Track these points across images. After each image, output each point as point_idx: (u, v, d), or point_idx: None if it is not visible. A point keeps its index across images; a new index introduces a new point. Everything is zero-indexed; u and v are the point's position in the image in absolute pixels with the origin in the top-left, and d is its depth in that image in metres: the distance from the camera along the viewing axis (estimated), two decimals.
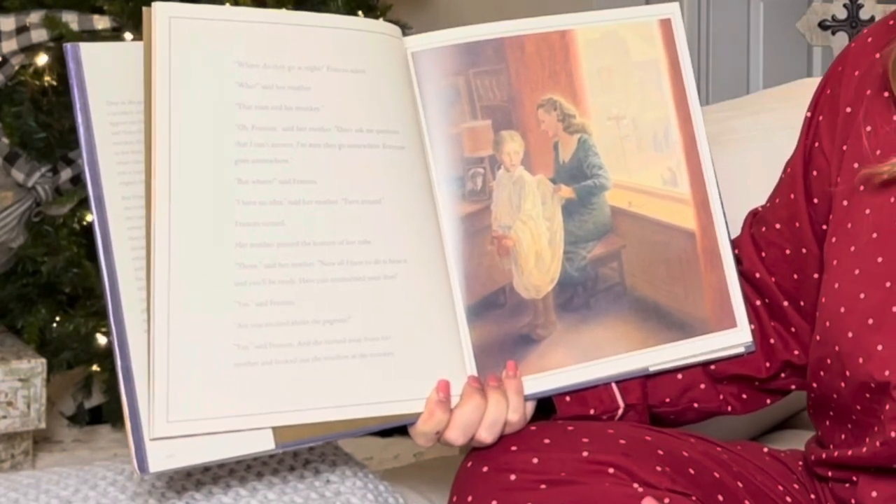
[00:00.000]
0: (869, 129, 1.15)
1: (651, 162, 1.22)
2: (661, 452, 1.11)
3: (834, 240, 1.16)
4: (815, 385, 1.18)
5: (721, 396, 1.26)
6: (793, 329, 1.25)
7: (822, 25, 2.98)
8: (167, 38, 1.05)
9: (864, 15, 2.97)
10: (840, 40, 2.95)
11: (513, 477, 1.08)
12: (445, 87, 1.16)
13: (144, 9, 1.05)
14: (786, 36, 3.39)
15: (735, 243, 1.27)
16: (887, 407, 1.07)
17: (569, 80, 1.20)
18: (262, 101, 1.07)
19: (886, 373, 1.07)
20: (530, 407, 1.16)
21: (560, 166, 1.19)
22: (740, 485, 1.15)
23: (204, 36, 1.07)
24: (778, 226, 1.24)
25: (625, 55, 1.22)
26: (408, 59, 1.16)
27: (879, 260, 1.11)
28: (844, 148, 1.17)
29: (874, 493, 1.11)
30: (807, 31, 3.02)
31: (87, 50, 1.07)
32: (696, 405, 1.25)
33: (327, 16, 1.14)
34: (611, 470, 1.08)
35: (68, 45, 1.06)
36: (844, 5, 2.99)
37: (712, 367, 1.24)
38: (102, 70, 1.07)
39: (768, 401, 1.29)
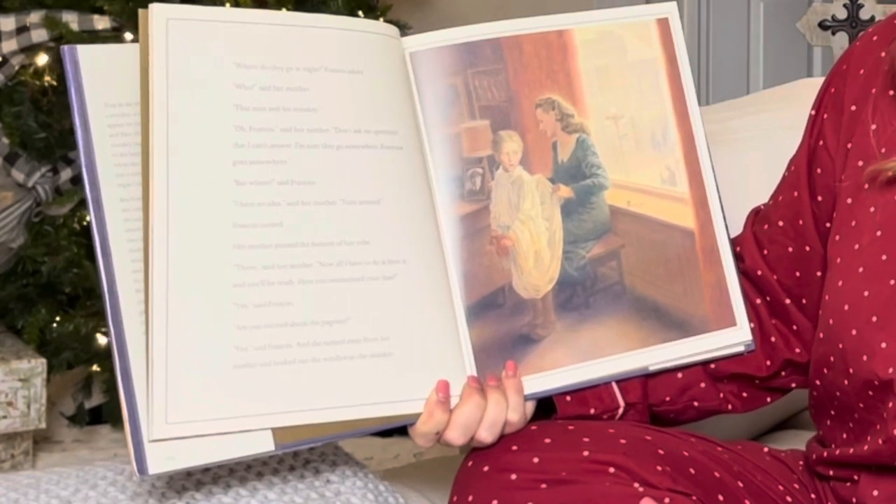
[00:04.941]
0: (874, 127, 1.15)
1: (649, 161, 1.22)
2: (661, 452, 1.11)
3: (838, 237, 1.16)
4: (817, 383, 1.18)
5: (721, 395, 1.26)
6: (794, 327, 1.25)
7: (823, 25, 2.98)
8: (164, 39, 1.05)
9: (864, 15, 2.97)
10: (840, 40, 2.95)
11: (513, 476, 1.08)
12: (444, 88, 1.16)
13: (141, 11, 1.05)
14: (786, 36, 3.39)
15: (737, 241, 1.27)
16: (890, 405, 1.07)
17: (567, 80, 1.20)
18: (259, 103, 1.07)
19: (890, 370, 1.07)
20: (530, 407, 1.16)
21: (559, 166, 1.19)
22: (741, 484, 1.15)
23: (201, 37, 1.07)
24: (781, 223, 1.24)
25: (622, 54, 1.22)
26: (406, 60, 1.16)
27: (884, 258, 1.11)
28: (849, 146, 1.17)
29: (875, 492, 1.11)
30: (807, 31, 3.02)
31: (85, 52, 1.07)
32: (696, 404, 1.25)
33: (325, 17, 1.14)
34: (611, 469, 1.08)
35: (65, 48, 1.06)
36: (844, 5, 2.99)
37: (712, 365, 1.24)
38: (100, 72, 1.06)
39: (769, 399, 1.29)
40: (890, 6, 2.95)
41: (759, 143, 1.62)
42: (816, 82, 1.26)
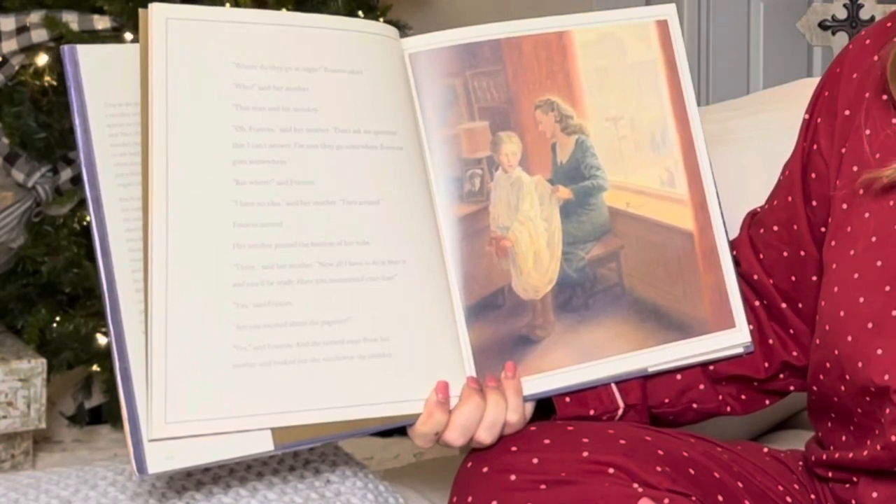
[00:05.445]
0: (868, 132, 1.15)
1: (648, 162, 1.22)
2: (661, 452, 1.11)
3: (833, 243, 1.16)
4: (815, 388, 1.18)
5: (720, 397, 1.26)
6: (791, 331, 1.25)
7: (822, 25, 2.98)
8: (164, 39, 1.05)
9: (864, 15, 2.97)
10: (840, 40, 2.95)
11: (513, 477, 1.08)
12: (443, 89, 1.16)
13: (141, 10, 1.06)
14: (786, 36, 3.39)
15: (733, 244, 1.27)
16: (887, 411, 1.07)
17: (566, 81, 1.20)
18: (259, 102, 1.08)
19: (886, 377, 1.07)
20: (530, 407, 1.16)
21: (558, 167, 1.19)
22: (740, 485, 1.15)
23: (201, 37, 1.07)
24: (776, 228, 1.24)
25: (622, 56, 1.22)
26: (405, 61, 1.16)
27: (879, 264, 1.11)
28: (843, 151, 1.17)
29: (875, 494, 1.11)
30: (807, 31, 3.02)
31: (85, 52, 1.07)
32: (695, 406, 1.25)
33: (324, 17, 1.15)
34: (611, 470, 1.08)
35: (65, 48, 1.06)
36: (844, 5, 2.99)
37: (711, 367, 1.24)
38: (100, 72, 1.07)
39: (767, 402, 1.29)
40: (890, 6, 2.95)
41: (758, 144, 1.62)
42: (816, 82, 1.26)
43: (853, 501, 1.13)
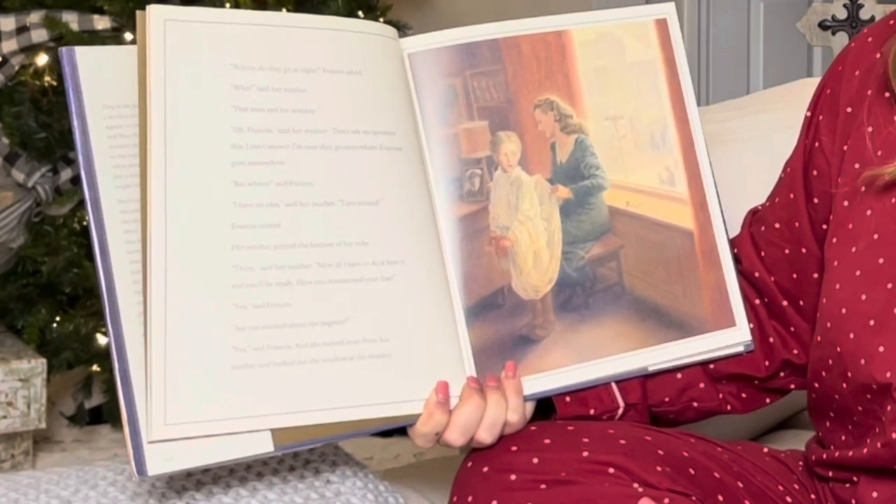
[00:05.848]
0: (870, 129, 1.15)
1: (648, 162, 1.22)
2: (661, 452, 1.11)
3: (834, 240, 1.16)
4: (816, 386, 1.18)
5: (720, 395, 1.26)
6: (792, 328, 1.25)
7: (822, 25, 2.99)
8: (162, 40, 1.05)
9: (864, 15, 2.97)
10: (840, 40, 2.95)
11: (513, 477, 1.08)
12: (442, 88, 1.16)
13: (139, 12, 1.05)
14: (786, 36, 3.39)
15: (734, 242, 1.27)
16: (888, 408, 1.07)
17: (565, 81, 1.20)
18: (257, 104, 1.08)
19: (888, 374, 1.07)
20: (530, 407, 1.16)
21: (557, 167, 1.19)
22: (740, 485, 1.15)
23: (199, 38, 1.07)
24: (777, 225, 1.24)
25: (621, 55, 1.22)
26: (404, 61, 1.16)
27: (881, 261, 1.11)
28: (845, 148, 1.17)
29: (875, 494, 1.11)
30: (807, 31, 3.02)
31: (83, 54, 1.07)
32: (695, 404, 1.25)
33: (323, 17, 1.14)
34: (611, 470, 1.08)
35: (63, 50, 1.06)
36: (844, 5, 2.99)
37: (711, 366, 1.24)
38: (98, 74, 1.07)
39: (768, 400, 1.29)
40: (890, 6, 2.95)
41: (758, 144, 1.62)
42: (816, 82, 1.26)
43: (853, 501, 1.13)
